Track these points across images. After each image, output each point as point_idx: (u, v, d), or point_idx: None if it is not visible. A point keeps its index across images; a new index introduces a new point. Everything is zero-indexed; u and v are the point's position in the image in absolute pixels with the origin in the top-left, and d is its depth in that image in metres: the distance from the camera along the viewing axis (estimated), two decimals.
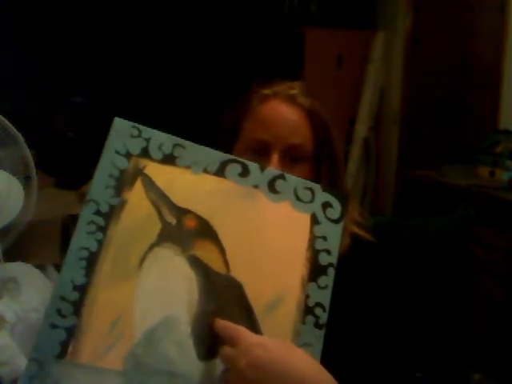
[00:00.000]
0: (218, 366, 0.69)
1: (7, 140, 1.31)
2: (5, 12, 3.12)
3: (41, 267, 1.32)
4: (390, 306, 1.02)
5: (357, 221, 1.03)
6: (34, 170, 1.34)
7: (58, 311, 0.68)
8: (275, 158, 0.95)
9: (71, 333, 0.67)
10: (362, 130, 3.63)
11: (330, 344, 0.94)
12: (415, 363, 1.03)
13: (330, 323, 0.95)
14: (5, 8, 3.12)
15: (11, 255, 1.32)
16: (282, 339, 0.71)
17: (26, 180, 1.34)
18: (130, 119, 0.77)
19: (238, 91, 1.09)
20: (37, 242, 1.48)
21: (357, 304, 0.99)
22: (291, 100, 1.01)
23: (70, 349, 0.67)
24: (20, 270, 1.27)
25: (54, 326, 0.67)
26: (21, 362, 1.03)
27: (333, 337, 0.95)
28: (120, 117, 0.76)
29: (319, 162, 1.00)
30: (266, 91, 1.02)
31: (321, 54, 3.51)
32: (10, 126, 1.31)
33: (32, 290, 1.19)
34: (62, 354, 0.67)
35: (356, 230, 1.02)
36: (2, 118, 1.31)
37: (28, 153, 1.33)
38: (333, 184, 1.01)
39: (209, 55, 3.38)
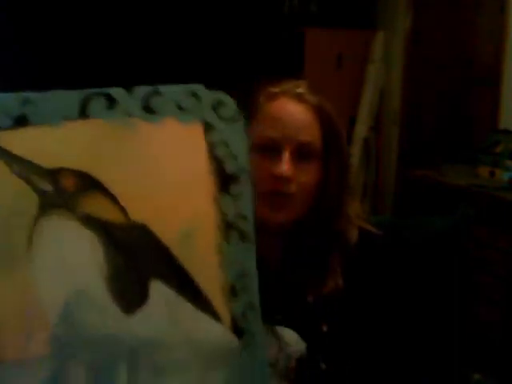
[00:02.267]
0: (147, 316, 0.65)
1: None
2: (4, 11, 3.13)
3: None
4: (392, 304, 1.02)
5: (361, 215, 1.04)
6: None
7: None
8: (286, 156, 0.95)
9: None
10: (361, 129, 3.62)
11: (335, 339, 0.94)
12: (415, 363, 1.03)
13: (336, 316, 0.96)
14: (4, 8, 3.12)
15: None
16: (206, 266, 0.66)
17: None
18: None
19: (238, 91, 1.09)
20: None
21: (363, 298, 0.99)
22: (299, 98, 1.01)
23: None
24: None
25: None
26: None
27: (338, 331, 0.95)
28: None
29: (328, 158, 1.01)
30: (274, 89, 1.02)
31: (321, 54, 3.51)
32: None
33: None
34: None
35: (361, 223, 1.03)
36: None
37: None
38: (341, 180, 1.02)
39: (209, 55, 3.38)
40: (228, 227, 0.68)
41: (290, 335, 0.91)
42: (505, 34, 3.12)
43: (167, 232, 0.66)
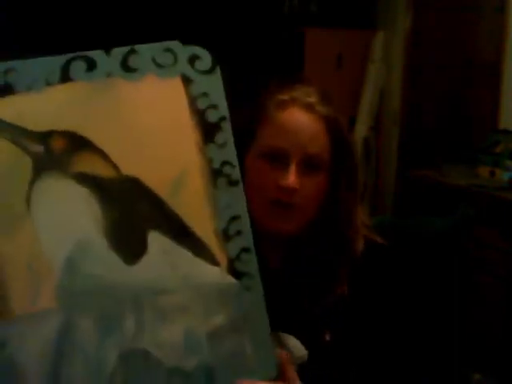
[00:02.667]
0: (148, 264, 0.68)
1: None
2: (4, 11, 3.12)
3: None
4: (394, 307, 1.02)
5: (367, 224, 1.04)
6: None
7: None
8: (293, 168, 0.94)
9: None
10: (361, 129, 3.62)
11: (338, 347, 0.94)
12: (415, 363, 1.03)
13: (340, 324, 0.95)
14: (4, 7, 3.11)
15: None
16: (198, 213, 0.70)
17: None
18: None
19: (238, 91, 1.08)
20: None
21: (367, 306, 0.99)
22: (310, 108, 0.99)
23: (0, 309, 0.66)
24: None
25: None
26: None
27: (342, 339, 0.95)
28: None
29: (336, 170, 1.00)
30: (283, 97, 1.00)
31: (321, 53, 3.51)
32: None
33: None
34: None
35: (366, 232, 1.03)
36: None
37: None
38: (349, 191, 1.01)
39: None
40: (216, 174, 0.71)
41: (293, 342, 0.91)
42: (505, 33, 3.12)
43: (158, 183, 0.69)
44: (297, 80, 1.05)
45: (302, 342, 0.92)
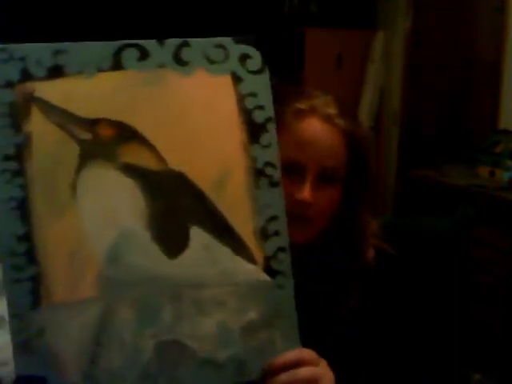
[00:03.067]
0: (188, 259, 0.69)
1: None
2: (5, 11, 3.13)
3: None
4: (402, 314, 1.02)
5: (376, 234, 1.03)
6: None
7: (14, 267, 0.66)
8: (309, 181, 0.93)
9: (36, 281, 0.66)
10: None
11: (349, 353, 0.93)
12: (415, 363, 1.03)
13: (352, 332, 0.95)
14: (4, 7, 3.12)
15: None
16: (239, 211, 0.71)
17: None
18: None
19: None
20: None
21: (379, 315, 0.99)
22: (329, 119, 0.97)
23: (42, 294, 0.67)
24: None
25: (17, 281, 0.66)
26: None
27: (353, 346, 0.95)
28: None
29: (351, 182, 0.98)
30: (302, 105, 0.97)
31: (321, 53, 3.51)
32: None
33: None
34: (36, 303, 0.66)
35: (377, 242, 1.02)
36: None
37: None
38: (364, 203, 1.01)
39: None
40: (258, 174, 0.72)
41: None
42: (505, 33, 3.12)
43: (203, 179, 0.70)
44: (311, 87, 1.03)
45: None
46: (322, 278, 0.97)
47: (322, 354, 0.83)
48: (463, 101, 3.40)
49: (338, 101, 1.01)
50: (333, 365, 0.78)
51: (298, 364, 0.72)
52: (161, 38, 0.70)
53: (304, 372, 0.73)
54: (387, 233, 1.05)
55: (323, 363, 0.77)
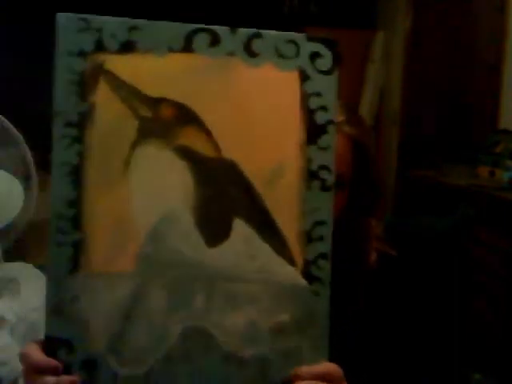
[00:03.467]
0: (227, 250, 0.69)
1: (7, 140, 1.31)
2: (5, 11, 3.12)
3: (41, 267, 1.32)
4: (398, 311, 1.03)
5: (379, 236, 1.04)
6: (34, 170, 1.34)
7: (59, 229, 0.67)
8: None
9: (78, 247, 0.67)
10: None
11: (351, 354, 0.93)
12: (415, 363, 1.03)
13: (353, 332, 0.95)
14: (5, 8, 3.11)
15: (11, 255, 1.32)
16: (286, 210, 0.69)
17: (26, 180, 1.34)
18: None
19: None
20: (37, 241, 1.49)
21: (378, 317, 0.99)
22: (336, 127, 0.97)
23: (81, 262, 0.67)
24: (20, 269, 1.27)
25: (59, 244, 0.67)
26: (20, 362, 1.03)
27: (355, 347, 0.95)
28: None
29: (357, 188, 0.98)
30: None
31: None
32: (10, 126, 1.31)
33: (32, 289, 1.19)
34: (74, 269, 0.67)
35: (379, 245, 1.03)
36: (3, 118, 1.31)
37: (28, 153, 1.33)
38: (368, 208, 1.01)
39: None
40: (311, 176, 0.70)
41: None
42: (505, 34, 3.12)
43: (254, 173, 0.69)
44: None
45: None
46: None
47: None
48: (463, 101, 3.40)
49: (346, 106, 1.00)
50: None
51: (323, 378, 0.70)
52: None
53: None
54: (387, 233, 1.06)
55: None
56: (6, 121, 1.31)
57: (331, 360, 0.74)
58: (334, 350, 0.78)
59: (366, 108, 3.64)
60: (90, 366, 0.67)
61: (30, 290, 1.19)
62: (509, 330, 2.49)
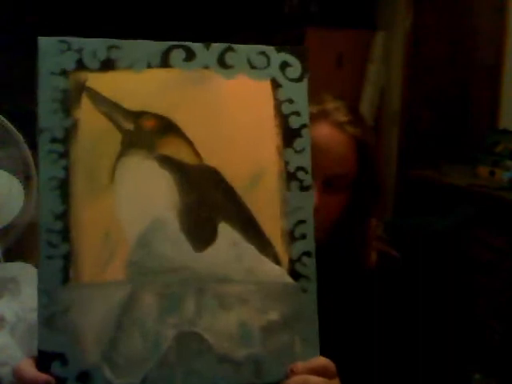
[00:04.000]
0: (214, 253, 0.71)
1: (7, 140, 1.31)
2: (6, 11, 3.13)
3: None
4: (399, 309, 1.02)
5: (380, 236, 1.03)
6: (34, 170, 1.34)
7: (49, 243, 0.69)
8: (316, 186, 0.91)
9: (68, 259, 0.69)
10: None
11: (351, 354, 0.93)
12: (415, 363, 1.03)
13: (353, 332, 0.94)
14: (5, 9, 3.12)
15: (11, 255, 1.32)
16: (269, 211, 0.72)
17: (26, 180, 1.34)
18: None
19: None
20: (37, 242, 1.48)
21: (379, 314, 0.99)
22: (339, 126, 0.97)
23: (71, 273, 0.68)
24: (20, 269, 1.27)
25: (49, 258, 0.69)
26: None
27: (354, 347, 0.95)
28: None
29: (360, 189, 0.98)
30: (313, 110, 0.93)
31: (321, 53, 3.51)
32: (10, 125, 1.31)
33: (32, 290, 1.19)
34: (65, 280, 0.68)
35: (380, 245, 1.02)
36: (2, 118, 1.31)
37: (28, 153, 1.33)
38: (368, 209, 1.01)
39: None
40: (290, 177, 0.74)
41: None
42: (505, 34, 3.12)
43: (236, 178, 0.72)
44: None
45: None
46: (325, 280, 0.97)
47: (324, 355, 0.83)
48: (463, 101, 3.40)
49: (349, 107, 1.00)
50: (336, 365, 0.78)
51: (317, 372, 0.72)
52: (167, 36, 0.73)
53: (315, 381, 0.71)
54: (387, 233, 1.06)
55: (337, 381, 0.76)
56: (5, 121, 1.31)
57: (331, 359, 0.74)
58: (333, 349, 0.78)
59: (366, 108, 3.63)
60: (84, 378, 0.67)
61: (30, 290, 1.19)
62: (509, 330, 2.49)
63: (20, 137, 1.33)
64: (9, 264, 1.29)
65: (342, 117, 0.98)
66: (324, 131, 0.96)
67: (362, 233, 1.01)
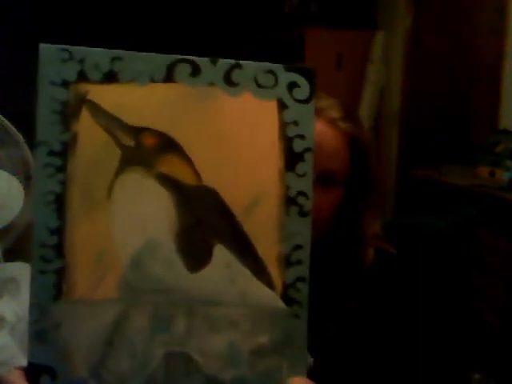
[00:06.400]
0: (208, 275, 0.70)
1: (7, 140, 1.31)
2: (6, 12, 3.13)
3: None
4: (399, 308, 1.02)
5: (378, 234, 1.03)
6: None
7: (42, 258, 0.68)
8: None
9: (60, 274, 0.68)
10: None
11: (347, 354, 0.93)
12: (415, 363, 1.03)
13: (351, 331, 0.94)
14: (6, 9, 3.12)
15: (11, 255, 1.32)
16: (266, 235, 0.71)
17: (26, 180, 1.34)
18: None
19: None
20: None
21: (378, 313, 0.99)
22: (332, 123, 0.97)
23: (64, 289, 0.68)
24: (20, 269, 1.27)
25: (42, 272, 0.68)
26: (21, 362, 1.03)
27: (351, 346, 0.95)
28: None
29: (353, 185, 0.98)
30: None
31: (321, 53, 3.51)
32: (10, 126, 1.31)
33: None
34: (57, 296, 0.68)
35: (378, 243, 1.02)
36: (2, 118, 1.31)
37: (28, 153, 1.33)
38: (363, 206, 1.01)
39: (209, 55, 3.37)
40: (289, 202, 0.72)
41: None
42: (505, 34, 3.12)
43: (235, 200, 0.71)
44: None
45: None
46: (321, 278, 0.97)
47: (321, 354, 0.83)
48: (463, 101, 3.40)
49: (342, 104, 1.00)
50: (332, 364, 0.78)
51: None
52: (165, 38, 0.72)
53: None
54: (387, 233, 1.06)
55: None
56: (5, 121, 1.31)
57: (331, 358, 0.74)
58: (332, 348, 0.78)
59: (366, 108, 3.63)
60: None
61: None
62: (509, 329, 2.49)
63: (20, 137, 1.33)
64: (9, 264, 1.29)
65: (334, 113, 0.98)
66: (317, 128, 0.96)
67: (358, 230, 1.01)
